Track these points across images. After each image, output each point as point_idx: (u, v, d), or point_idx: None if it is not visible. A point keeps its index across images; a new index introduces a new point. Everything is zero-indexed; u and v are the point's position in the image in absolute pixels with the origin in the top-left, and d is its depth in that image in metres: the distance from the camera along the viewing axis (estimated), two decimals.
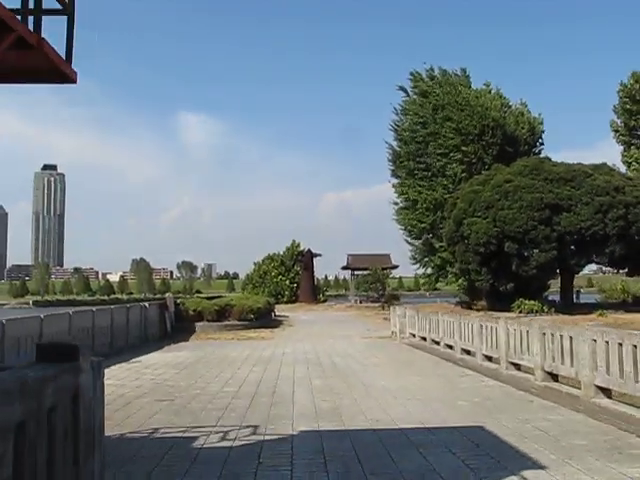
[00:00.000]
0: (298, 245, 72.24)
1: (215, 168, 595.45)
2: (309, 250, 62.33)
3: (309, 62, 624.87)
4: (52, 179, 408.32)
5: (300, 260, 63.39)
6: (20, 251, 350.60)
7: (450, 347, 18.00)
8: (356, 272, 61.97)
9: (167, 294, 29.46)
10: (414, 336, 23.09)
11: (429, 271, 48.00)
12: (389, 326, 32.17)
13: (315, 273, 63.03)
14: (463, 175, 44.78)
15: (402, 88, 49.42)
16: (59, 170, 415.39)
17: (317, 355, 18.28)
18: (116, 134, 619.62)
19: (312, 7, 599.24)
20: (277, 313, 42.92)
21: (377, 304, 55.52)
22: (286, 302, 65.49)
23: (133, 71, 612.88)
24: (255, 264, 78.39)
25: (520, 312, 37.93)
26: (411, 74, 49.80)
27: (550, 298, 41.37)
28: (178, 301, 29.87)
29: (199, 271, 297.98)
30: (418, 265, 49.40)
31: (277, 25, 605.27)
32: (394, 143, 50.05)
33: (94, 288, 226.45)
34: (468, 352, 16.25)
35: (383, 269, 50.81)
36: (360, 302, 58.71)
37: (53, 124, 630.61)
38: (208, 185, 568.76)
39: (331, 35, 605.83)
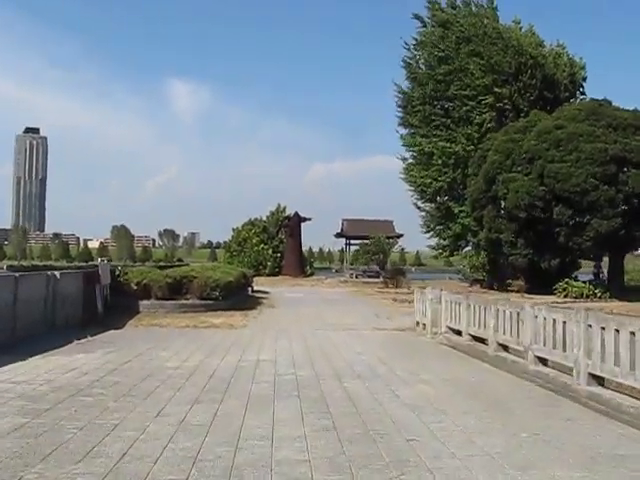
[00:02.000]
0: (284, 210, 64.96)
1: (201, 135, 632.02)
2: (296, 214, 54.86)
3: (299, 21, 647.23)
4: (34, 142, 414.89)
5: (286, 225, 55.94)
6: (1, 215, 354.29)
7: (542, 361, 10.88)
8: (352, 241, 54.70)
9: (99, 260, 21.83)
10: (457, 333, 16.07)
11: (445, 242, 40.89)
12: (403, 310, 25.51)
13: (303, 241, 55.65)
14: (491, 125, 37.69)
15: (417, 16, 42.10)
16: (42, 134, 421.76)
17: (313, 369, 11.42)
18: (101, 99, 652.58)
19: None
20: (256, 288, 35.81)
21: (377, 280, 48.52)
22: (268, 274, 58.53)
23: (119, 35, 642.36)
24: (234, 230, 70.94)
25: (566, 296, 31.16)
26: (429, 2, 42.19)
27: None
28: (118, 270, 22.53)
29: (181, 240, 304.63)
30: (431, 234, 42.37)
31: None
32: (405, 84, 42.70)
33: (73, 254, 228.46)
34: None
35: (388, 238, 43.58)
36: (356, 277, 51.68)
37: (36, 86, 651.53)
38: (194, 152, 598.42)
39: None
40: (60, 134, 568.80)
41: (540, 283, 31.85)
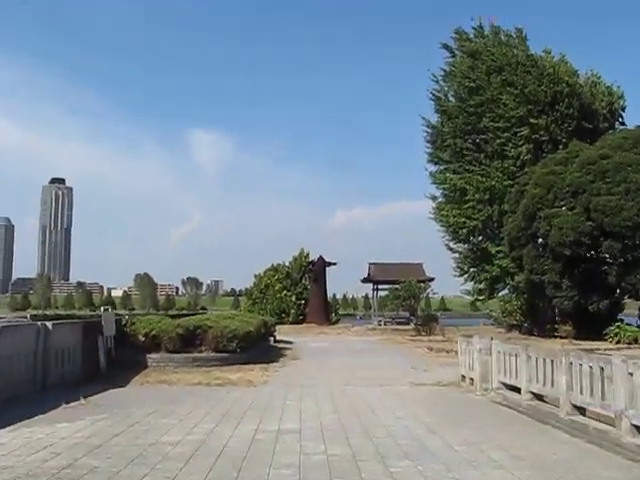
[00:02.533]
0: (307, 255, 62.93)
1: (223, 184, 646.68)
2: (320, 258, 52.82)
3: (318, 79, 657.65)
4: (60, 192, 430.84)
5: (310, 270, 53.84)
6: (27, 265, 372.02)
7: None
8: (380, 286, 52.43)
9: (102, 309, 19.79)
10: (512, 389, 13.84)
11: (481, 285, 38.49)
12: (441, 361, 23.26)
13: (327, 288, 53.40)
14: (528, 157, 35.67)
15: (446, 46, 40.51)
16: (67, 184, 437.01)
17: (348, 444, 9.46)
18: (125, 149, 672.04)
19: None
20: (278, 337, 33.66)
21: (407, 327, 46.08)
22: (291, 322, 56.39)
23: (143, 86, 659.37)
24: (256, 276, 69.08)
25: (618, 342, 28.63)
26: (456, 32, 40.93)
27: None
28: (124, 320, 20.57)
29: (205, 288, 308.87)
30: (465, 277, 40.02)
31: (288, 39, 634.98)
32: (434, 118, 40.93)
33: (97, 303, 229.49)
34: None
35: (418, 281, 41.29)
36: (385, 324, 49.30)
37: (60, 137, 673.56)
38: (216, 201, 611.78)
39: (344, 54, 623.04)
40: (85, 184, 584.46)
41: (588, 328, 29.39)
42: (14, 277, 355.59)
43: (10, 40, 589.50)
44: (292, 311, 60.95)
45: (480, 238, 37.17)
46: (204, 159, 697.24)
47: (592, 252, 27.25)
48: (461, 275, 39.80)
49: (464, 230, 36.46)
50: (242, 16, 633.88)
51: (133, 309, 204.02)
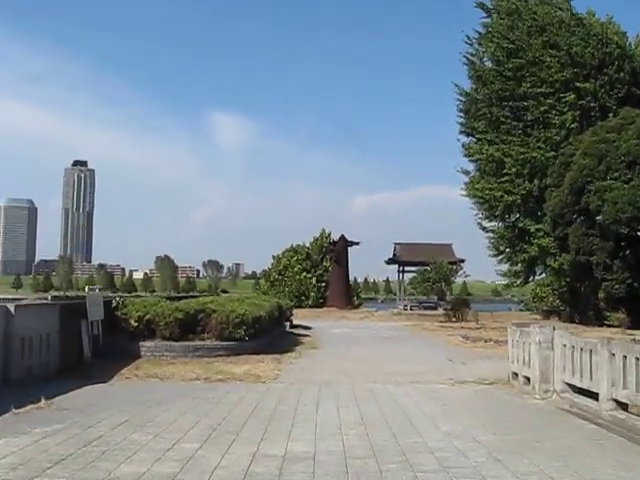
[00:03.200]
0: (328, 235, 60.14)
1: (245, 168, 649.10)
2: (342, 237, 49.92)
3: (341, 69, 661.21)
4: (82, 175, 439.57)
5: (331, 250, 50.99)
6: (50, 247, 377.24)
7: None
8: (406, 268, 49.52)
9: (86, 288, 16.95)
10: (583, 392, 11.14)
11: (517, 267, 35.47)
12: (479, 352, 20.65)
13: (351, 268, 50.55)
14: (574, 126, 32.52)
15: (482, 5, 37.24)
16: (89, 166, 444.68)
17: None
18: (148, 133, 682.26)
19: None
20: (296, 322, 31.14)
21: (435, 312, 43.29)
22: (311, 306, 53.78)
23: (165, 70, 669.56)
24: (274, 258, 66.50)
25: None
26: None
27: None
28: (115, 303, 18.03)
29: (225, 270, 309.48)
30: (500, 259, 37.01)
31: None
32: (467, 85, 37.84)
33: (118, 285, 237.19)
34: None
35: (449, 263, 38.35)
36: (411, 308, 46.51)
37: (85, 121, 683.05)
38: (239, 185, 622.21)
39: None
40: (107, 168, 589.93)
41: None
42: (37, 259, 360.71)
43: (40, 28, 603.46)
44: (312, 294, 58.42)
45: (518, 215, 34.17)
46: (227, 143, 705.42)
47: None
48: (496, 256, 36.88)
49: (501, 206, 33.44)
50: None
51: (153, 291, 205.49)
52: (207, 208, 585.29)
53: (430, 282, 35.51)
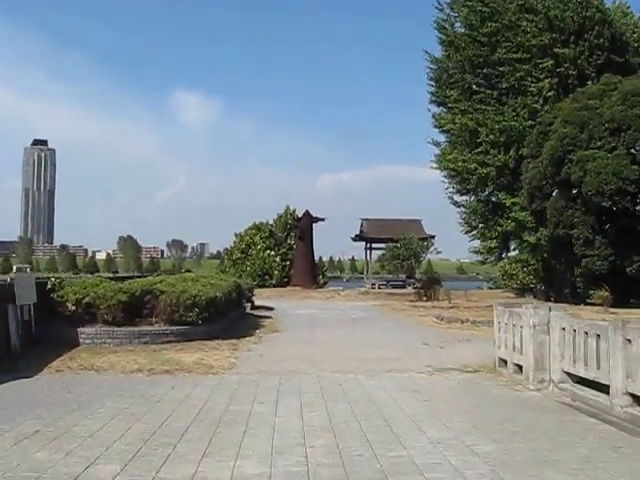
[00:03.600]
0: (293, 212, 58.32)
1: (209, 147, 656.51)
2: (307, 213, 48.03)
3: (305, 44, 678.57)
4: (42, 154, 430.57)
5: (295, 226, 49.10)
6: (10, 228, 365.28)
7: None
8: (374, 245, 47.91)
9: (14, 268, 15.09)
10: (584, 382, 9.63)
11: (491, 243, 34.03)
12: (455, 333, 19.29)
13: (316, 246, 48.74)
14: (551, 94, 30.99)
15: None
16: (50, 145, 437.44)
17: None
18: (109, 112, 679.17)
19: None
20: (258, 303, 29.40)
21: (403, 290, 41.91)
22: (275, 285, 52.20)
23: (126, 47, 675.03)
24: (236, 235, 64.60)
25: None
26: None
27: None
28: (50, 284, 16.09)
29: (190, 250, 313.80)
30: (473, 234, 35.53)
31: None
32: (438, 51, 36.09)
33: (80, 266, 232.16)
34: None
35: (420, 239, 36.76)
36: (379, 287, 45.05)
37: (43, 99, 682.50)
38: (203, 164, 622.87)
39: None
40: (69, 146, 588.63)
41: (624, 293, 25.24)
42: None
43: None
44: (276, 273, 56.83)
45: (492, 188, 32.72)
46: (191, 122, 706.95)
47: (635, 203, 22.96)
48: (468, 232, 35.39)
49: (474, 178, 31.87)
50: None
51: (116, 272, 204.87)
52: (171, 187, 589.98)
53: (400, 259, 33.91)
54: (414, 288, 37.03)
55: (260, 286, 52.18)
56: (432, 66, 36.12)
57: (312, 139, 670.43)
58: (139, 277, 19.56)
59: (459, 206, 36.65)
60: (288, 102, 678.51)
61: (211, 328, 16.82)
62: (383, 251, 40.45)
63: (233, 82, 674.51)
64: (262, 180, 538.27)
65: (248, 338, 17.40)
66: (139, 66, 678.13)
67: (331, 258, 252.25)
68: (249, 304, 26.97)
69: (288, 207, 62.00)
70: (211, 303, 16.86)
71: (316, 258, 55.89)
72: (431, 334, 19.42)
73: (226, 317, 18.99)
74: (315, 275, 49.47)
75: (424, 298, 33.39)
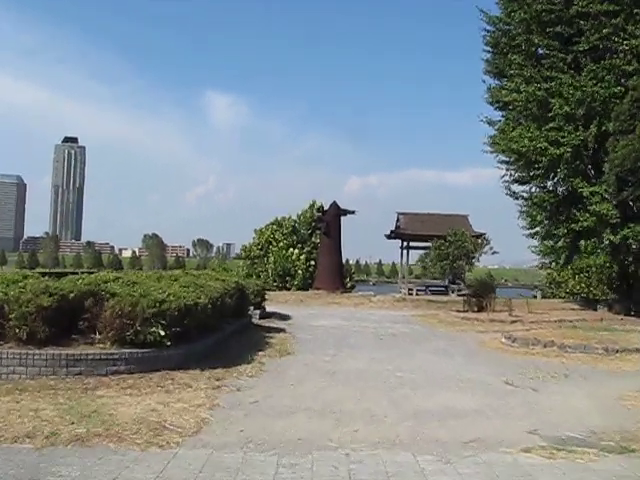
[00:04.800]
0: (320, 208, 51.85)
1: (239, 147, 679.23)
2: (334, 204, 42.24)
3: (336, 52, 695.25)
4: (73, 152, 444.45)
5: (320, 219, 43.37)
6: (40, 224, 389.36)
7: None
8: (412, 243, 42.06)
9: None
10: None
11: (560, 243, 28.19)
12: (544, 364, 13.82)
13: (343, 244, 43.02)
14: None
15: None
16: (80, 143, 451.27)
17: None
18: (140, 111, 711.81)
19: None
20: (270, 308, 24.20)
21: (445, 297, 36.27)
22: (299, 288, 46.89)
23: (159, 49, 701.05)
24: (256, 232, 59.10)
25: None
26: None
27: None
28: None
29: (215, 250, 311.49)
30: (535, 232, 29.79)
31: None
32: (497, 10, 30.41)
33: (105, 263, 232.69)
34: None
35: (473, 236, 30.93)
36: (416, 293, 39.38)
37: (75, 97, 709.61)
38: (233, 164, 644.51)
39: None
40: (100, 145, 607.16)
41: None
42: (25, 236, 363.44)
43: (32, 3, 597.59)
44: (299, 273, 51.26)
45: (565, 173, 26.95)
46: (222, 123, 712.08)
47: None
48: (531, 227, 29.64)
49: (544, 161, 26.10)
50: None
51: (141, 269, 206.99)
52: (200, 187, 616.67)
53: (449, 260, 28.10)
54: (461, 295, 31.33)
55: (280, 288, 47.39)
56: (489, 27, 30.50)
57: (341, 141, 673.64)
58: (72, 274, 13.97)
59: (517, 198, 31.03)
60: (316, 103, 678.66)
61: (187, 351, 11.50)
62: (423, 251, 34.75)
63: (264, 83, 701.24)
64: (291, 181, 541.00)
65: (243, 366, 11.97)
66: (171, 66, 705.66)
67: (357, 261, 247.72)
68: (258, 312, 21.59)
69: (314, 201, 56.19)
70: (188, 313, 11.49)
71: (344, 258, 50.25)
72: (507, 364, 13.92)
73: (216, 332, 13.62)
74: (342, 277, 43.81)
75: (475, 308, 27.77)
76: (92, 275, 12.13)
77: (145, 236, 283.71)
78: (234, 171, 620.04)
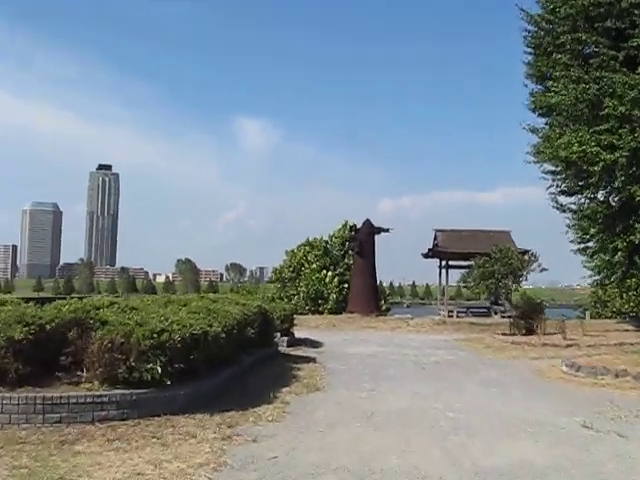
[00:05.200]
0: (353, 227, 49.54)
1: (269, 173, 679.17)
2: (368, 222, 40.19)
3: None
4: (107, 179, 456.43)
5: (353, 238, 41.35)
6: (75, 250, 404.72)
7: None
8: (451, 262, 39.73)
9: None
10: None
11: (615, 258, 25.81)
12: (616, 396, 11.73)
13: (377, 262, 40.82)
14: None
15: None
16: (114, 170, 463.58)
17: None
18: (172, 138, 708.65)
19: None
20: (300, 334, 22.34)
21: (489, 319, 34.02)
22: (331, 311, 44.54)
23: (190, 76, 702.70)
24: (287, 253, 57.10)
25: None
26: None
27: None
28: None
29: (248, 274, 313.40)
30: (585, 247, 27.47)
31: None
32: (538, 9, 28.38)
33: (139, 288, 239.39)
34: None
35: (521, 253, 28.59)
36: (457, 315, 37.06)
37: (110, 126, 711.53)
38: (263, 189, 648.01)
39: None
40: (132, 172, 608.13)
41: None
42: (61, 262, 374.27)
43: (68, 34, 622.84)
44: (332, 296, 49.12)
45: (622, 181, 24.66)
46: (250, 147, 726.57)
47: None
48: (583, 242, 27.35)
49: (597, 167, 23.84)
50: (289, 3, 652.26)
51: (174, 294, 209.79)
52: (232, 212, 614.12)
53: (495, 278, 25.76)
54: (505, 317, 29.05)
55: (313, 312, 45.28)
56: (530, 27, 28.45)
57: (372, 163, 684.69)
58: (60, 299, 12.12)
59: (565, 210, 28.79)
60: (345, 126, 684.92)
61: (194, 390, 9.63)
62: (464, 270, 32.47)
63: (292, 107, 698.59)
64: (322, 204, 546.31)
65: (263, 408, 10.05)
66: (201, 92, 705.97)
67: (391, 283, 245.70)
68: (285, 338, 19.69)
69: (346, 221, 53.83)
70: (195, 344, 9.66)
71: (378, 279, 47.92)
72: (576, 399, 11.87)
73: (232, 366, 11.75)
74: (377, 299, 41.60)
75: (523, 331, 25.53)
76: (83, 300, 10.37)
77: (178, 261, 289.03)
78: (265, 195, 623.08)
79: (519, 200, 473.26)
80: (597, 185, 25.56)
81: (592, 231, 26.57)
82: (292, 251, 55.86)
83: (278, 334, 19.47)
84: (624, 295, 41.59)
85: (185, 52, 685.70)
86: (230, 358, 11.64)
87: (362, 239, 38.81)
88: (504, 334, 26.23)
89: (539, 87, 29.21)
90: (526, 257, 27.17)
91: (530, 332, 25.46)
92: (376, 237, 39.58)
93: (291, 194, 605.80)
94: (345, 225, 51.86)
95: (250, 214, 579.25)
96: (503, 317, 30.94)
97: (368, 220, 40.05)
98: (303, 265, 52.90)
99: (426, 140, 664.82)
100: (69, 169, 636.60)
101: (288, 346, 19.54)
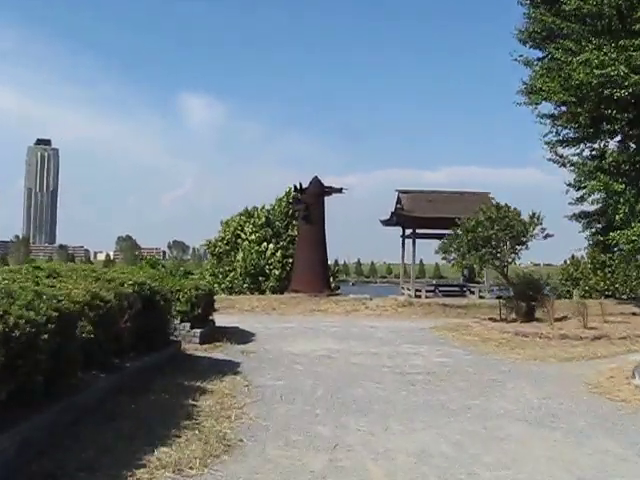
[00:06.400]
0: (299, 185, 42.83)
1: (217, 149, 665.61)
2: (316, 179, 33.54)
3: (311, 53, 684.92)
4: (46, 154, 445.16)
5: (297, 200, 34.79)
6: (14, 227, 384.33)
7: None
8: (418, 230, 33.66)
9: None
10: None
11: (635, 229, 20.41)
12: None
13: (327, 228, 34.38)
14: None
15: None
16: (53, 145, 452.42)
17: None
18: (116, 114, 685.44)
19: None
20: (228, 322, 16.59)
21: (465, 300, 28.71)
22: (275, 290, 40.01)
23: (133, 50, 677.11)
24: (222, 224, 51.25)
25: None
26: None
27: None
28: None
29: (191, 252, 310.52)
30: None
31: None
32: None
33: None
34: None
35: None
36: (426, 295, 31.41)
37: (49, 100, 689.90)
38: (209, 166, 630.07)
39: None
40: (74, 148, 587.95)
41: None
42: None
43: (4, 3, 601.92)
44: (274, 272, 43.70)
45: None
46: (198, 124, 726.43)
47: None
48: (604, 201, 21.83)
49: (623, 91, 17.99)
50: None
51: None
52: (177, 189, 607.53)
53: (492, 246, 19.62)
54: (500, 299, 23.31)
55: (252, 290, 41.10)
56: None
57: (318, 141, 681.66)
58: None
59: (564, 164, 23.67)
60: (293, 104, 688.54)
61: None
62: (438, 239, 26.31)
63: (238, 85, 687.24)
64: (270, 183, 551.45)
65: None
66: (145, 68, 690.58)
67: (336, 261, 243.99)
68: (199, 331, 13.84)
69: (290, 188, 47.34)
70: None
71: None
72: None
73: (52, 404, 5.83)
74: (327, 276, 35.41)
75: (514, 316, 20.13)
76: None
77: (119, 238, 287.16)
78: (211, 172, 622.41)
79: (459, 178, 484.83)
80: (621, 122, 20.07)
81: (617, 187, 20.73)
82: (226, 221, 50.05)
83: (187, 325, 13.69)
84: (598, 272, 40.34)
85: (124, 25, 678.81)
86: (39, 390, 5.71)
87: (309, 201, 32.16)
88: (493, 320, 20.83)
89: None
90: (532, 219, 21.13)
91: (531, 318, 20.06)
92: (326, 199, 33.30)
93: (237, 172, 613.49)
94: (289, 192, 45.28)
95: (196, 191, 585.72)
96: (508, 299, 25.11)
97: (316, 178, 33.35)
98: (239, 236, 47.20)
99: (370, 117, 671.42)
100: (7, 145, 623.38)
101: (202, 342, 13.70)
